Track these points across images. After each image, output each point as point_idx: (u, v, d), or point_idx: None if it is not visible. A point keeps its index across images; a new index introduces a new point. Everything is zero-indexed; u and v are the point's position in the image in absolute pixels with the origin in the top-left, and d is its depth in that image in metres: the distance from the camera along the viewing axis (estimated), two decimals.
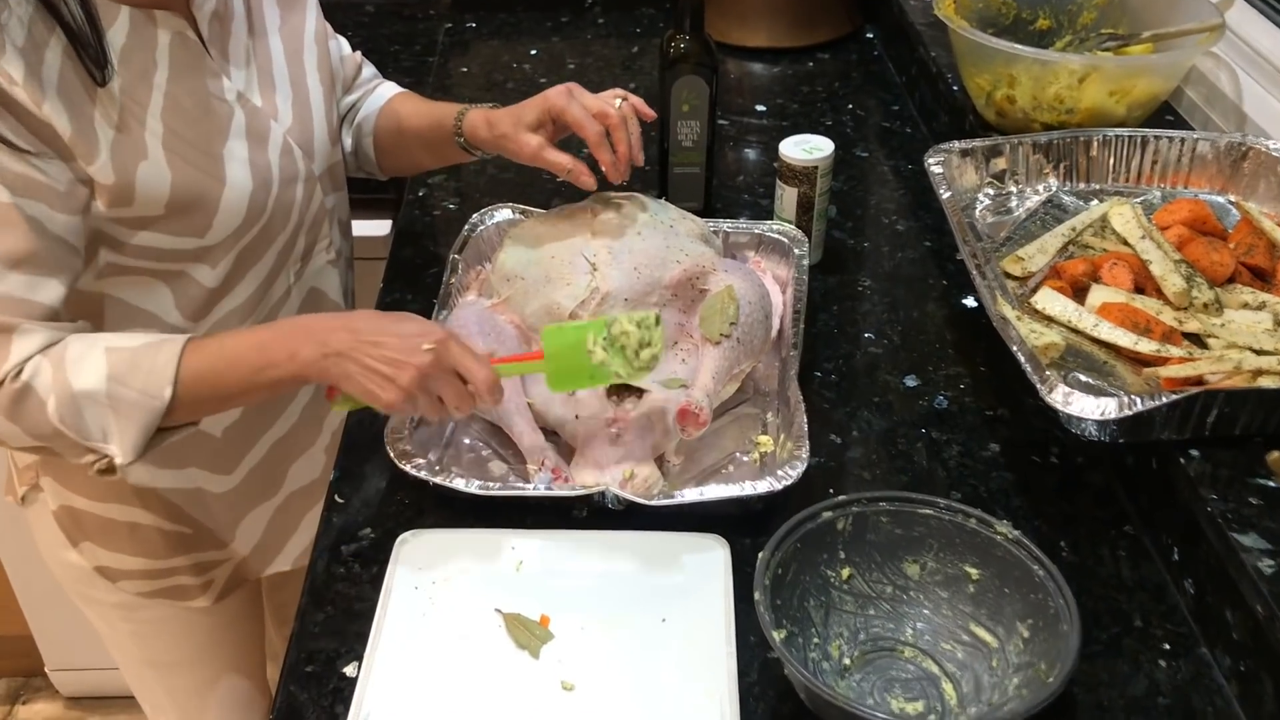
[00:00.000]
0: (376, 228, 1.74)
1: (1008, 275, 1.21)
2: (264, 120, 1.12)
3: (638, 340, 1.07)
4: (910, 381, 1.30)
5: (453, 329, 1.13)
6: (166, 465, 1.18)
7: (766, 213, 1.59)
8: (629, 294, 1.18)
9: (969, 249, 1.15)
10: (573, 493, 1.07)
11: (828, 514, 0.98)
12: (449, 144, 1.29)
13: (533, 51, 2.05)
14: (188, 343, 0.99)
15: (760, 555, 0.95)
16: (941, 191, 1.25)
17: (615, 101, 1.22)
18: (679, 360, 1.20)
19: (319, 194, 1.21)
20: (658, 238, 1.24)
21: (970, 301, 1.42)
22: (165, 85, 1.03)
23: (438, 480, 1.07)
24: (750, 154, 1.76)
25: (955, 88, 1.65)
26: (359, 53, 1.40)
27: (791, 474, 1.07)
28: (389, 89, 1.40)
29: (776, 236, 1.40)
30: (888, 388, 1.29)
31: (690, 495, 1.06)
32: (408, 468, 1.08)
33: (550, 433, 1.18)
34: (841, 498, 0.99)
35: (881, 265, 1.49)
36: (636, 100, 1.24)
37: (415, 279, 1.46)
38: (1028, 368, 1.03)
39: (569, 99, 1.20)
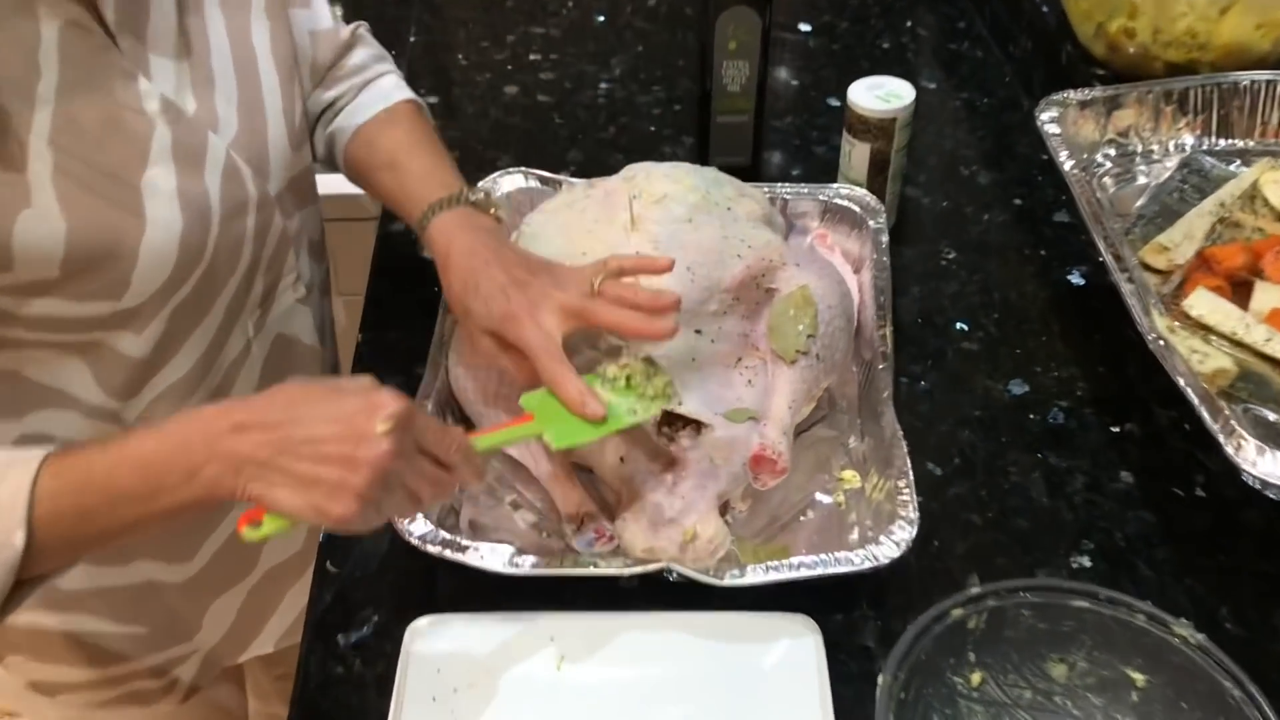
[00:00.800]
0: None
1: (1147, 267, 0.98)
2: (198, 133, 0.85)
3: (643, 372, 0.87)
4: (1016, 388, 1.07)
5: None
6: (107, 563, 0.96)
7: (822, 163, 1.34)
8: (684, 303, 0.95)
9: (1108, 245, 0.92)
10: (624, 571, 0.86)
11: (958, 611, 0.78)
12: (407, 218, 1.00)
13: None
14: (44, 465, 0.69)
15: (880, 680, 0.74)
16: (1063, 159, 1.01)
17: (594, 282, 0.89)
18: (744, 382, 0.97)
19: (278, 220, 0.95)
20: (713, 226, 1.00)
21: (1076, 278, 1.19)
22: (54, 98, 0.75)
23: (450, 555, 0.85)
24: (795, 84, 1.50)
25: (1044, 7, 1.39)
26: (348, 27, 1.08)
27: (897, 541, 0.85)
28: (381, 96, 1.06)
29: (846, 204, 1.16)
30: (990, 397, 1.06)
31: (775, 574, 0.85)
32: (412, 537, 0.86)
33: (585, 469, 0.96)
34: (974, 591, 0.78)
35: (966, 231, 1.26)
36: (627, 264, 0.90)
37: (407, 266, 1.21)
38: (1203, 412, 0.81)
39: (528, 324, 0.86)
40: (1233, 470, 0.81)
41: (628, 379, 0.87)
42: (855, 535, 0.92)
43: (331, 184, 1.46)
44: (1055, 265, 1.21)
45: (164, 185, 0.81)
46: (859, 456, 0.99)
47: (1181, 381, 0.83)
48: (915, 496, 0.87)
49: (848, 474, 0.97)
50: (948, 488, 0.99)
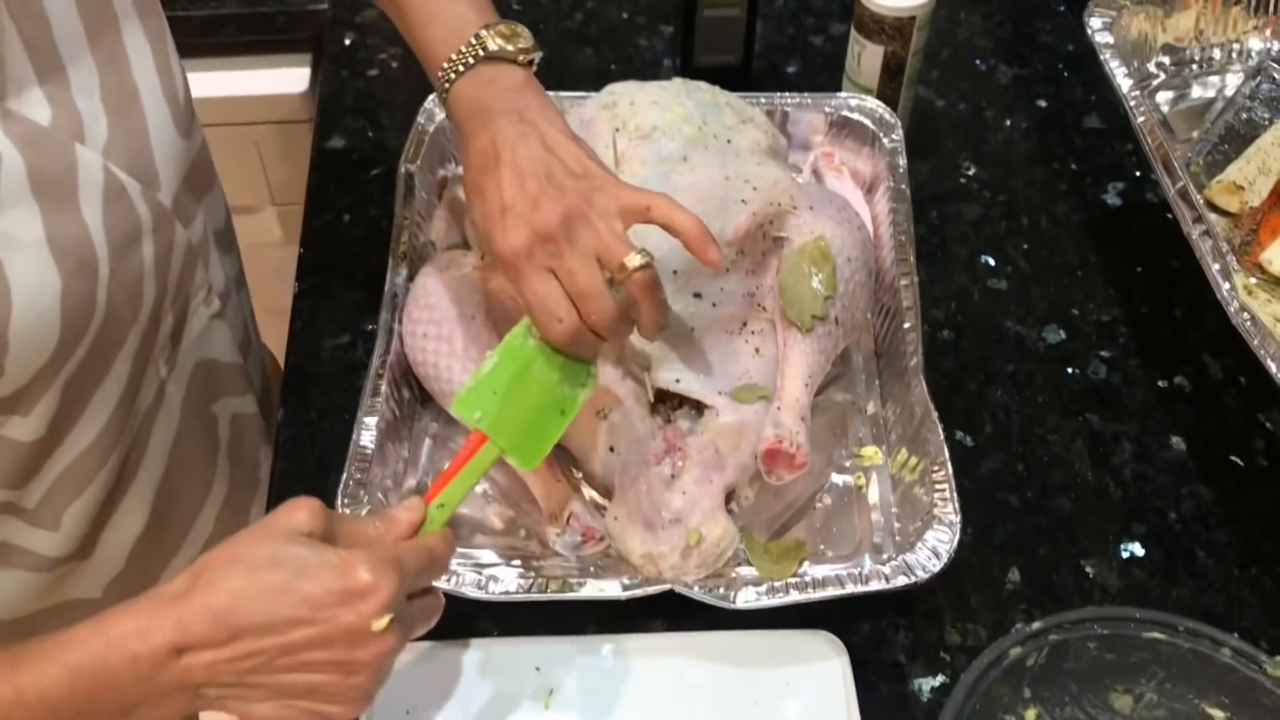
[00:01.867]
0: (290, 80, 1.29)
1: (1214, 208, 0.84)
2: (61, 150, 0.65)
3: None
4: (1052, 335, 0.94)
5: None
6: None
7: (821, 58, 1.18)
8: (678, 263, 0.80)
9: (1180, 197, 0.78)
10: (620, 595, 0.73)
11: (1017, 650, 0.66)
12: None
13: None
14: None
15: None
16: (1120, 77, 0.85)
17: (626, 264, 0.68)
18: (751, 351, 0.83)
19: (179, 234, 0.76)
20: (712, 165, 0.84)
21: (1112, 196, 1.05)
22: None
23: None
24: None
25: None
26: None
27: (936, 550, 0.73)
28: None
29: (856, 117, 1.00)
30: (1023, 347, 0.94)
31: (796, 595, 0.73)
32: None
33: (564, 451, 0.83)
34: (1036, 626, 0.67)
35: (986, 140, 1.11)
36: (684, 227, 0.70)
37: (348, 192, 1.05)
38: None
39: (520, 277, 0.68)
40: None
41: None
42: (879, 519, 0.81)
43: (256, 83, 1.28)
44: (1089, 181, 1.06)
45: (26, 233, 0.62)
46: (879, 425, 0.86)
47: (1268, 361, 0.70)
48: (955, 491, 0.75)
49: (868, 450, 0.85)
50: (981, 461, 0.87)
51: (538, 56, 0.76)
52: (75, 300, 0.65)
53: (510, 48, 0.74)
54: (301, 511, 0.57)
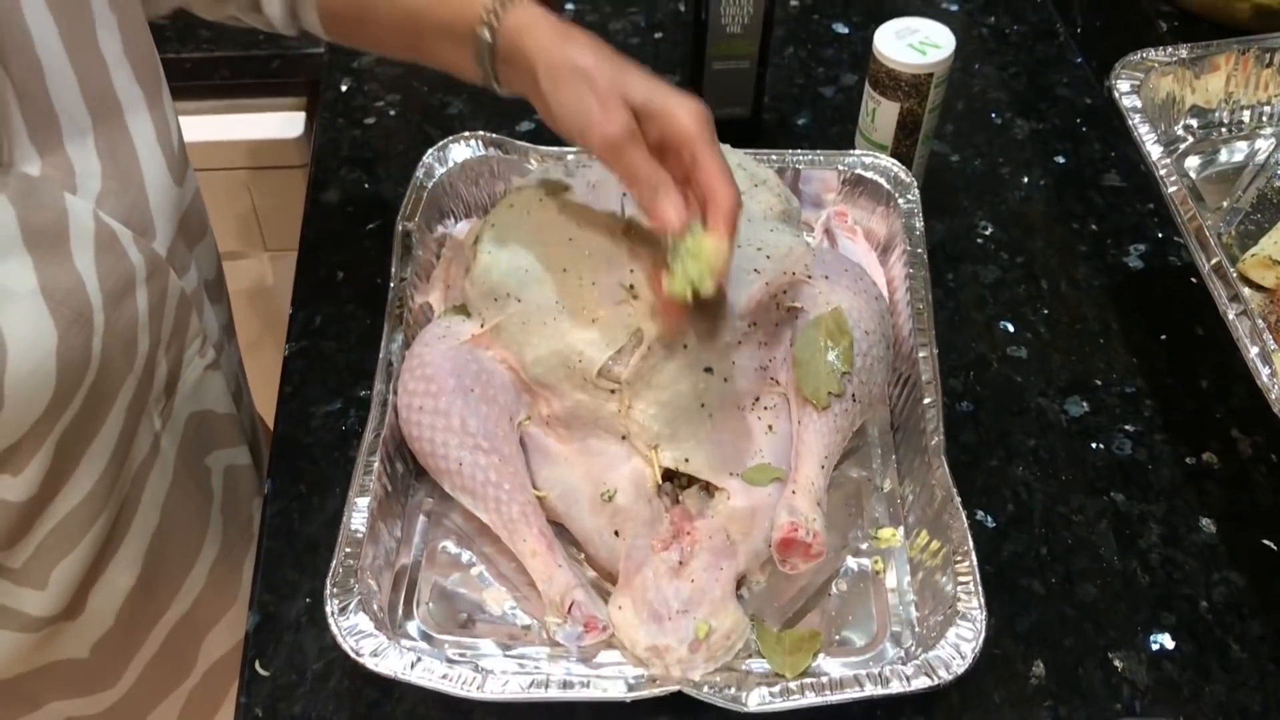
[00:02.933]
0: (284, 125, 1.26)
1: (1247, 282, 0.81)
2: (52, 202, 0.63)
3: None
4: (1074, 408, 0.91)
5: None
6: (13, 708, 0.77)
7: (832, 110, 1.15)
8: (689, 337, 0.76)
9: (1216, 273, 0.74)
10: (625, 696, 0.69)
11: None
12: (458, 48, 0.75)
13: None
14: None
15: None
16: (1149, 144, 0.82)
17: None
18: (764, 429, 0.79)
19: (174, 282, 0.74)
20: None
21: (1134, 260, 1.02)
22: None
23: (402, 676, 0.68)
24: (795, 5, 1.28)
25: None
26: None
27: (960, 649, 0.69)
28: None
29: (871, 176, 0.96)
30: (1044, 420, 0.90)
31: (813, 697, 0.69)
32: (354, 654, 0.69)
33: (566, 534, 0.79)
34: None
35: (1003, 198, 1.07)
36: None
37: (343, 247, 1.01)
38: None
39: (713, 136, 0.70)
40: None
41: None
42: (898, 606, 0.77)
43: (250, 127, 1.24)
44: (1110, 242, 1.03)
45: (20, 284, 0.60)
46: (897, 503, 0.82)
47: None
48: (980, 582, 0.71)
49: (885, 532, 0.81)
50: (1003, 544, 0.83)
51: None
52: (71, 352, 0.63)
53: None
54: None
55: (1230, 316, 0.73)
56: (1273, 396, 0.69)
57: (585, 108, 0.68)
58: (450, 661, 0.70)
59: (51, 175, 0.63)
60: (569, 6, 1.26)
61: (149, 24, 0.72)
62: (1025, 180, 1.09)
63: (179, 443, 0.80)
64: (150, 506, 0.79)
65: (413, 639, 0.74)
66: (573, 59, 0.68)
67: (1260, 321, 0.74)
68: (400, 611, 0.76)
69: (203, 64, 1.20)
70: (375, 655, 0.68)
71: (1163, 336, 0.95)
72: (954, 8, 1.28)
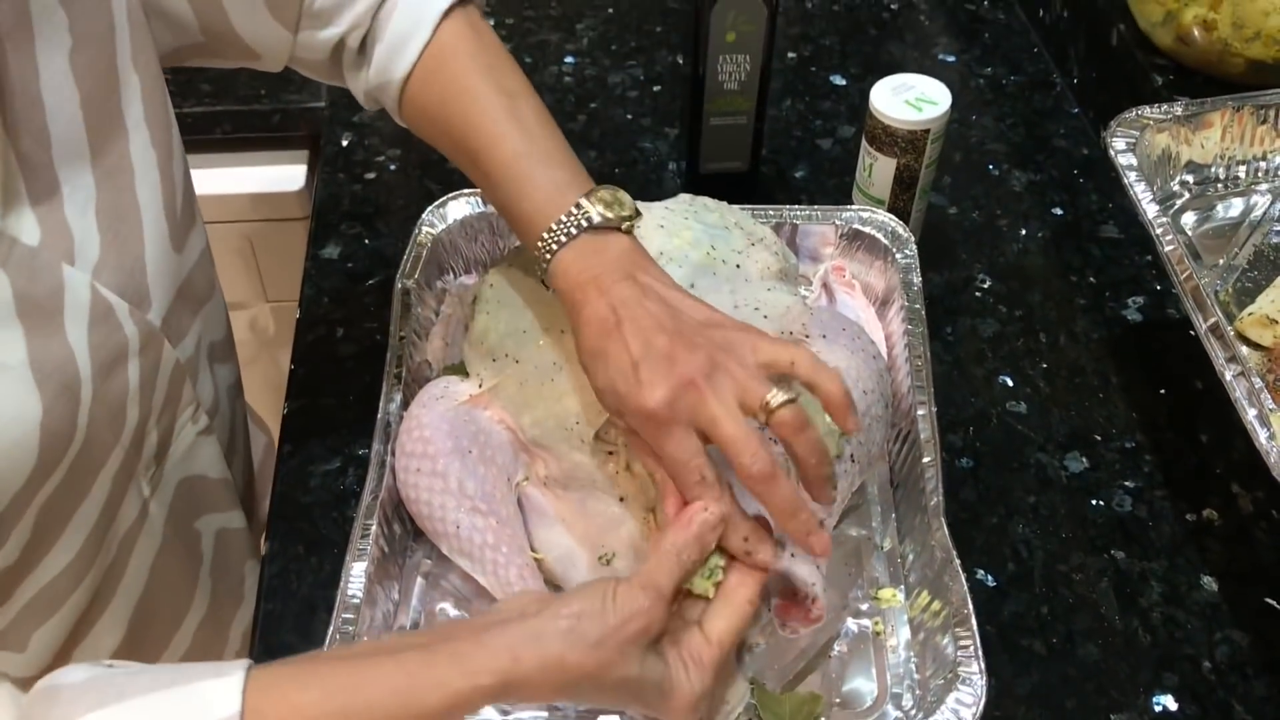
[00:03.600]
0: (285, 178, 1.27)
1: (1245, 340, 0.81)
2: (48, 274, 0.62)
3: None
4: (1074, 464, 0.91)
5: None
6: None
7: (829, 163, 1.15)
8: None
9: (1213, 334, 0.74)
10: None
11: None
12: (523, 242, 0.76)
13: None
14: (248, 685, 0.52)
15: None
16: (1145, 202, 0.82)
17: (767, 403, 0.65)
18: None
19: (168, 353, 0.73)
20: (721, 290, 0.81)
21: (1132, 312, 1.02)
22: None
23: None
24: (793, 58, 1.29)
25: None
26: None
27: (964, 711, 0.69)
28: (412, 22, 0.76)
29: (869, 231, 0.97)
30: (1044, 477, 0.90)
31: None
32: None
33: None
34: None
35: (1001, 250, 1.07)
36: (829, 391, 0.66)
37: (342, 302, 1.01)
38: None
39: (659, 432, 0.65)
40: None
41: None
42: (899, 667, 0.76)
43: (251, 180, 1.25)
44: (1108, 295, 1.03)
45: (9, 356, 0.59)
46: (897, 563, 0.82)
47: None
48: (980, 645, 0.71)
49: (886, 593, 0.80)
50: (1003, 604, 0.82)
51: (639, 221, 0.73)
52: (56, 424, 0.62)
53: (612, 215, 0.70)
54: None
55: (1228, 378, 0.73)
56: (1272, 460, 0.69)
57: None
58: None
59: (51, 244, 0.62)
60: (568, 60, 1.27)
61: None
62: (1023, 232, 1.09)
63: (168, 509, 0.79)
64: (137, 571, 0.78)
65: None
66: (581, 362, 0.69)
67: (1258, 381, 0.74)
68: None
69: (204, 118, 1.21)
70: None
71: (1162, 390, 0.95)
72: (951, 58, 1.29)
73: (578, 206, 0.70)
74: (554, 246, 0.70)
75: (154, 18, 0.71)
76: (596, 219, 0.70)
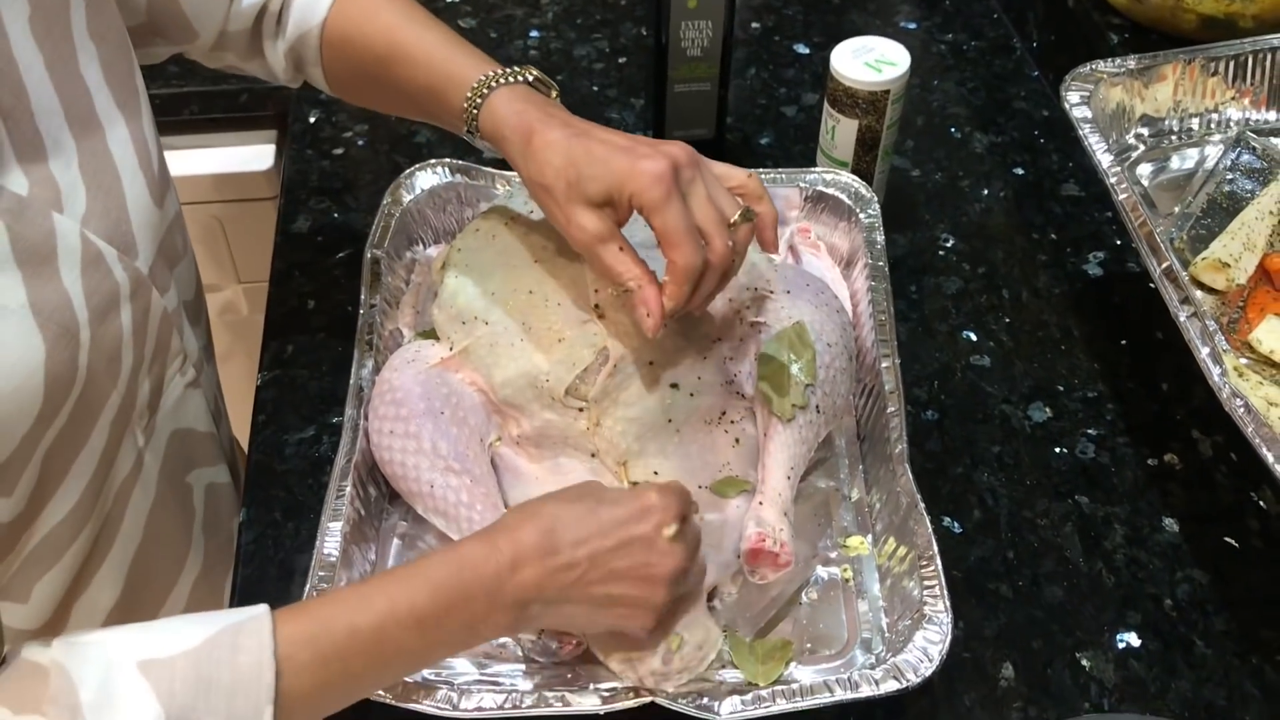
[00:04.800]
0: (254, 158, 1.27)
1: (1199, 285, 0.83)
2: (40, 220, 0.64)
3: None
4: (1037, 414, 0.92)
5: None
6: None
7: (793, 129, 1.17)
8: (654, 354, 0.78)
9: (1167, 277, 0.76)
10: (600, 709, 0.70)
11: None
12: (448, 119, 0.81)
13: None
14: (278, 628, 0.57)
15: None
16: (1099, 153, 0.84)
17: (734, 215, 0.72)
18: (730, 442, 0.80)
19: (156, 300, 0.75)
20: None
21: (1093, 267, 1.03)
22: None
23: (375, 696, 0.69)
24: (756, 28, 1.31)
25: None
26: None
27: (928, 653, 0.70)
28: None
29: (832, 192, 0.98)
30: (1009, 426, 0.91)
31: (784, 704, 0.70)
32: None
33: None
34: None
35: (964, 211, 1.09)
36: (765, 213, 0.75)
37: (313, 276, 1.02)
38: None
39: (668, 199, 0.68)
40: None
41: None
42: (868, 613, 0.78)
43: (220, 161, 1.25)
44: (1069, 251, 1.05)
45: (10, 300, 0.61)
46: (864, 512, 0.84)
47: (1270, 457, 0.68)
48: (946, 587, 0.73)
49: (854, 540, 0.82)
50: (970, 549, 0.84)
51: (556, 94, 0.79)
52: (58, 367, 0.64)
53: (545, 80, 0.78)
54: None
55: (1181, 319, 0.75)
56: (1224, 395, 0.71)
57: (556, 220, 0.72)
58: (425, 681, 0.71)
59: (39, 195, 0.65)
60: (533, 34, 1.28)
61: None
62: (985, 192, 1.11)
63: (161, 460, 0.81)
64: (133, 524, 0.80)
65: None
66: (535, 175, 0.72)
67: (1212, 323, 0.76)
68: None
69: (172, 99, 1.22)
70: None
71: (1123, 341, 0.97)
72: (912, 25, 1.31)
73: (508, 68, 0.77)
74: (485, 92, 0.76)
75: None
76: (529, 76, 0.77)
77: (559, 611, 0.65)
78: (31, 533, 0.70)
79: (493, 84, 0.76)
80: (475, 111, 0.76)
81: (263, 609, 0.58)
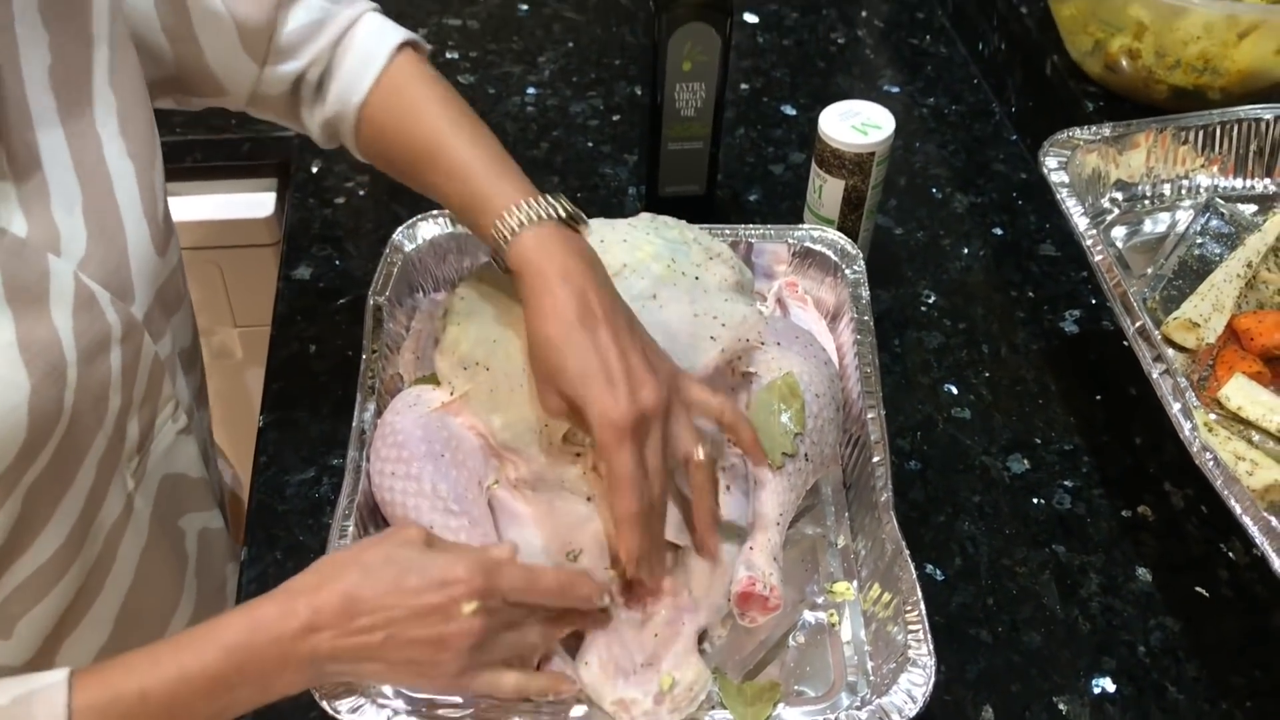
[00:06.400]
0: (255, 205, 1.30)
1: (1171, 344, 0.86)
2: (35, 261, 0.66)
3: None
4: (1016, 465, 0.96)
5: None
6: None
7: (781, 187, 1.21)
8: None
9: (1140, 335, 0.79)
10: None
11: None
12: (476, 234, 0.81)
13: None
14: (73, 691, 0.60)
15: None
16: (1076, 216, 0.88)
17: (696, 454, 0.75)
18: (722, 489, 0.83)
19: (148, 346, 0.77)
20: (681, 302, 0.85)
21: (1070, 324, 1.07)
22: None
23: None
24: (746, 89, 1.35)
25: (1022, 8, 1.26)
26: None
27: (912, 693, 0.73)
28: (365, 56, 0.84)
29: (818, 248, 1.02)
30: (989, 477, 0.95)
31: None
32: (326, 703, 0.71)
33: None
34: None
35: (945, 268, 1.13)
36: (744, 437, 0.79)
37: (315, 321, 1.05)
38: (1264, 544, 0.69)
39: (618, 446, 0.71)
40: (1260, 564, 0.71)
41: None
42: (853, 657, 0.80)
43: (221, 207, 1.28)
44: (1046, 309, 1.09)
45: None
46: (850, 559, 0.86)
47: (1238, 509, 0.71)
48: (928, 632, 0.75)
49: (840, 586, 0.85)
50: (951, 596, 0.87)
51: (587, 231, 0.81)
52: (44, 404, 0.66)
53: (571, 212, 0.78)
54: (412, 529, 0.70)
55: (1154, 376, 0.78)
56: (1194, 449, 0.74)
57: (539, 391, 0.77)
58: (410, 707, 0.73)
59: (38, 237, 0.67)
60: (530, 91, 1.32)
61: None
62: (965, 251, 1.15)
63: (152, 504, 0.82)
64: (124, 566, 0.81)
65: (387, 697, 0.76)
66: (530, 332, 0.75)
67: (1183, 380, 0.80)
68: None
69: (176, 147, 1.25)
70: (353, 713, 0.71)
71: (1098, 396, 1.01)
72: (895, 89, 1.35)
73: (542, 198, 0.77)
74: (515, 227, 0.76)
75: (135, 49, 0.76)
76: (562, 210, 0.77)
77: (357, 669, 0.66)
78: (15, 569, 0.71)
79: (524, 220, 0.76)
80: (504, 246, 0.77)
81: (62, 675, 0.60)
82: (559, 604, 0.72)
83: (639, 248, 0.87)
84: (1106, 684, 0.82)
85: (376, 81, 0.84)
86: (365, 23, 0.85)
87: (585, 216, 0.80)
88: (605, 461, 0.71)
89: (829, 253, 1.01)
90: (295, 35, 0.83)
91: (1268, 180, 0.98)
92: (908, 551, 0.79)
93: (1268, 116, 0.96)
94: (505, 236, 0.76)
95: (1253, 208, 0.97)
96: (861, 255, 1.00)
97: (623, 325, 0.74)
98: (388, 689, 0.75)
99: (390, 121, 0.84)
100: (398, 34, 0.86)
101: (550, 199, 0.78)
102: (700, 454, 0.74)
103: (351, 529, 0.80)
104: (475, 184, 0.79)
